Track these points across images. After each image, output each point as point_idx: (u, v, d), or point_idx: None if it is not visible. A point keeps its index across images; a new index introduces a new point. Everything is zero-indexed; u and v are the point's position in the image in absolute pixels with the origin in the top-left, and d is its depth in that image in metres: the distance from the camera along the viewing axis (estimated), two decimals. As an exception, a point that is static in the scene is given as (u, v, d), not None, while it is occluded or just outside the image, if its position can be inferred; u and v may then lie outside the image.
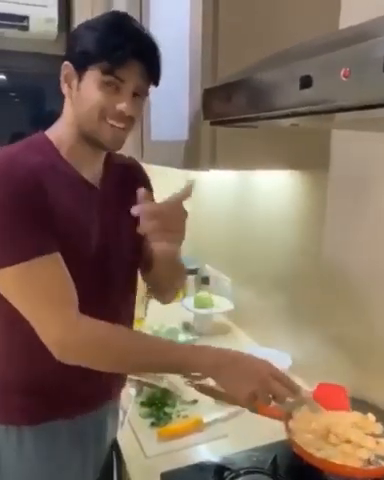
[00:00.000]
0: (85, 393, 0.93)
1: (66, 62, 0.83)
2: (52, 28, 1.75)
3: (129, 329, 0.90)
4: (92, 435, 0.98)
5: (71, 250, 0.82)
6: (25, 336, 0.81)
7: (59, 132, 0.87)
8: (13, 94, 2.47)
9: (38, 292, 0.77)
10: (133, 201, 0.84)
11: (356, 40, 0.44)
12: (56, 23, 1.75)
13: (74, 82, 0.83)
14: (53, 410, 0.90)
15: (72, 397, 0.91)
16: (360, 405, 1.06)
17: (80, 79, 0.82)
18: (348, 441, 0.97)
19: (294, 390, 0.82)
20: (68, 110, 0.86)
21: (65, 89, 0.85)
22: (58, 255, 0.78)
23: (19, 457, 0.89)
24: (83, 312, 0.80)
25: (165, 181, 2.11)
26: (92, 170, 0.91)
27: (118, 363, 0.84)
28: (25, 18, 1.68)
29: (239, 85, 0.65)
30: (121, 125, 0.84)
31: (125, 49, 0.79)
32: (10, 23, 1.69)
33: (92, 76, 0.81)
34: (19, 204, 0.75)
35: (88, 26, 0.84)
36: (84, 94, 0.82)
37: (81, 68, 0.82)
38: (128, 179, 0.99)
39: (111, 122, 0.83)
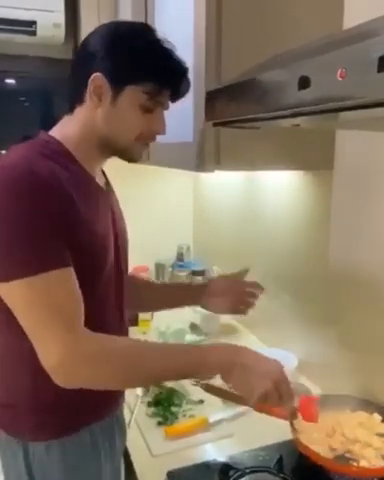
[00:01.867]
0: (110, 393, 0.90)
1: (98, 74, 0.78)
2: (59, 33, 1.77)
3: (134, 338, 0.85)
4: (117, 431, 0.97)
5: (92, 259, 0.80)
6: None
7: (70, 136, 0.83)
8: (23, 98, 2.49)
9: (45, 308, 0.71)
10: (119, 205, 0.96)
11: (352, 41, 0.45)
12: (63, 28, 1.77)
13: (107, 96, 0.79)
14: (89, 416, 0.88)
15: (102, 400, 0.89)
16: (366, 405, 1.06)
17: (116, 95, 0.79)
18: (355, 441, 0.97)
19: (292, 396, 0.82)
20: (83, 117, 0.82)
21: (92, 100, 0.80)
22: (71, 269, 0.73)
23: (64, 469, 0.86)
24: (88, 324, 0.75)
25: (179, 180, 2.14)
26: (99, 175, 0.91)
27: (129, 374, 0.78)
28: (33, 23, 1.70)
29: (239, 87, 0.66)
30: (150, 142, 0.88)
31: (177, 78, 0.82)
32: (18, 28, 1.71)
33: (133, 96, 0.79)
34: (40, 212, 0.69)
35: (126, 41, 0.79)
36: (123, 113, 0.81)
37: (121, 84, 0.79)
38: (109, 183, 1.00)
39: (145, 141, 0.86)
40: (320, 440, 0.96)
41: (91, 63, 0.79)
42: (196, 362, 0.80)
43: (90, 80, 0.78)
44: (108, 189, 0.95)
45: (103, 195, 0.89)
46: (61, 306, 0.72)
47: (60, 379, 0.73)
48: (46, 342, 0.72)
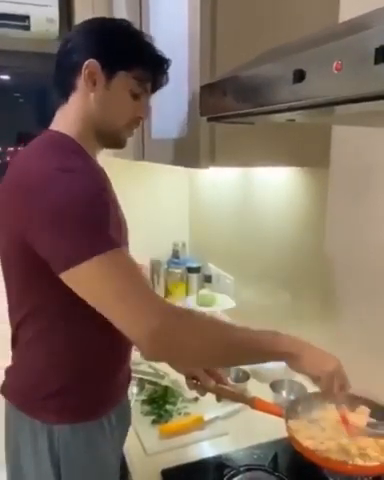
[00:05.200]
0: (124, 378, 0.97)
1: (92, 60, 0.82)
2: (53, 28, 1.75)
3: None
4: (127, 413, 1.04)
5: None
6: (76, 340, 0.84)
7: (74, 128, 0.86)
8: (17, 94, 2.47)
9: (125, 279, 0.73)
10: None
11: (347, 33, 0.44)
12: (57, 23, 1.75)
13: (100, 81, 0.84)
14: (108, 400, 0.92)
15: (118, 384, 0.95)
16: (363, 403, 1.05)
17: (109, 79, 0.84)
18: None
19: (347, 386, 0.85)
20: (81, 105, 0.86)
21: (87, 85, 0.84)
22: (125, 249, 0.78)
23: (85, 451, 0.88)
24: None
25: (175, 177, 2.12)
26: None
27: (214, 345, 0.78)
28: (26, 18, 1.69)
29: (233, 81, 0.65)
30: (136, 128, 0.93)
31: (162, 66, 0.89)
32: (11, 23, 1.69)
33: (124, 81, 0.85)
34: (87, 206, 0.72)
35: (123, 30, 0.86)
36: (116, 97, 0.85)
37: (113, 69, 0.83)
38: None
39: (132, 127, 0.91)
40: (315, 438, 0.95)
41: (82, 51, 0.83)
42: (271, 343, 0.81)
43: (84, 65, 0.82)
44: None
45: (111, 184, 0.93)
46: (137, 276, 0.75)
47: (151, 349, 0.74)
48: (131, 314, 0.72)
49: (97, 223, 0.73)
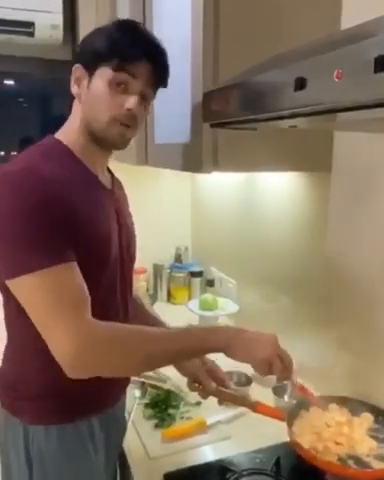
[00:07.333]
0: (110, 387, 0.95)
1: (77, 65, 0.85)
2: (57, 34, 1.77)
3: (136, 325, 0.88)
4: (114, 426, 1.01)
5: (95, 254, 0.83)
6: None
7: (70, 135, 0.88)
8: (21, 99, 2.49)
9: (52, 300, 0.75)
10: (127, 203, 1.04)
11: (348, 42, 0.45)
12: (61, 29, 1.77)
13: (84, 82, 0.85)
14: (87, 407, 0.92)
15: (101, 392, 0.93)
16: (364, 407, 1.06)
17: (90, 78, 0.84)
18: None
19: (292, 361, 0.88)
20: (77, 111, 0.88)
21: (75, 90, 0.87)
22: (74, 264, 0.77)
23: (60, 454, 0.89)
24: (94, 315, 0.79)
25: (177, 181, 2.13)
26: (103, 173, 0.95)
27: (138, 358, 0.81)
28: (31, 24, 1.71)
29: (236, 88, 0.66)
30: (127, 122, 0.85)
31: (136, 47, 0.83)
32: (16, 29, 1.71)
33: (103, 74, 0.83)
34: (37, 215, 0.74)
35: (99, 30, 0.87)
36: (94, 92, 0.84)
37: (92, 67, 0.84)
38: (117, 181, 1.04)
39: (119, 120, 0.85)
40: (317, 442, 0.96)
41: (75, 62, 0.87)
42: (200, 341, 0.85)
43: (72, 72, 0.86)
44: (117, 187, 1.00)
45: (106, 193, 0.92)
46: (67, 298, 0.76)
47: (73, 368, 0.76)
48: (56, 332, 0.75)
49: (41, 235, 0.74)
